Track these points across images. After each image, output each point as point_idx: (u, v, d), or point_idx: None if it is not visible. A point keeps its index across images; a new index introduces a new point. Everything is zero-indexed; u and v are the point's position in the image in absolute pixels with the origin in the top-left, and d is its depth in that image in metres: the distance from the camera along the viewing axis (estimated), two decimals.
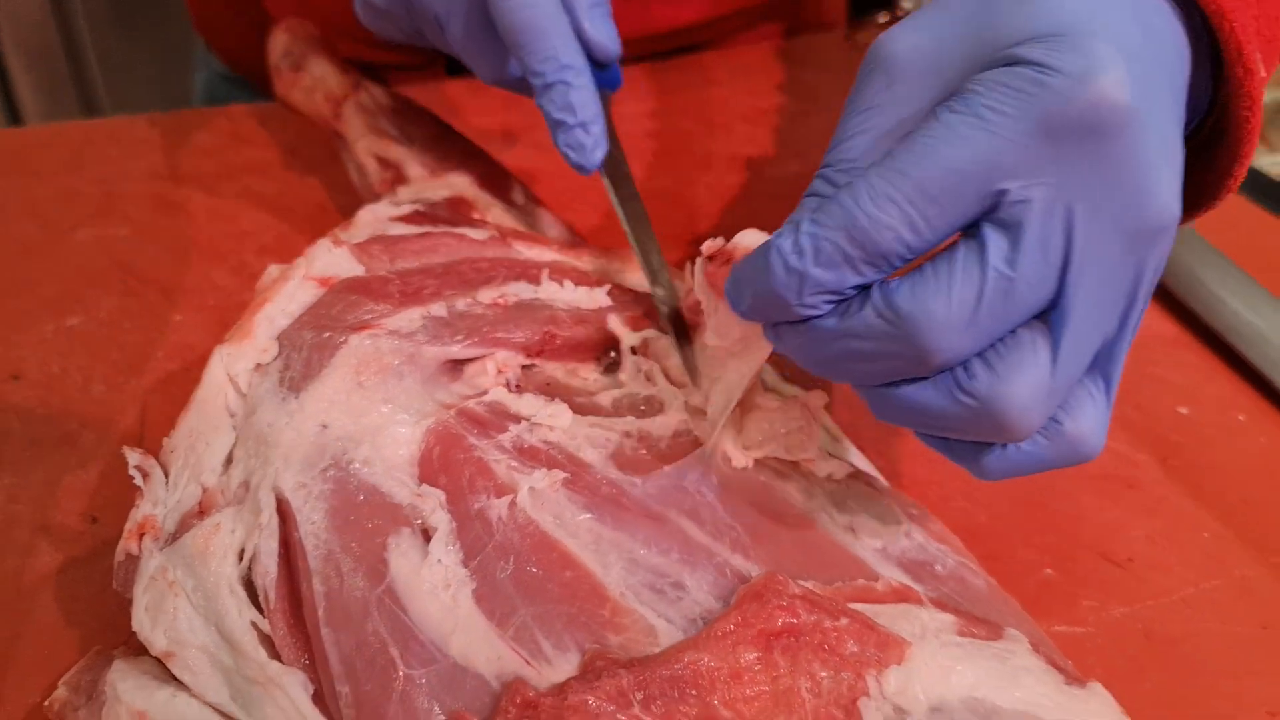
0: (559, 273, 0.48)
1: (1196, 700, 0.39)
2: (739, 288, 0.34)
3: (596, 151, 0.46)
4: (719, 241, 0.37)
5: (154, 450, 0.43)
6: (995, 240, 0.30)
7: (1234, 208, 0.66)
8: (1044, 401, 0.31)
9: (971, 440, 0.33)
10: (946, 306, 0.30)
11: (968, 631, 0.36)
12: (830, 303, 0.32)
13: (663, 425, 0.42)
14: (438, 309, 0.44)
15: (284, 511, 0.38)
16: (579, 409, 0.42)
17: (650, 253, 0.46)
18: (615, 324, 0.45)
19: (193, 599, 0.36)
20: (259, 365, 0.43)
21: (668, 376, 0.44)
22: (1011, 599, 0.40)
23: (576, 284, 0.47)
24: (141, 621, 0.36)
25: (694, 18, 0.82)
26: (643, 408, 0.43)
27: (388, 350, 0.42)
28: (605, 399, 0.43)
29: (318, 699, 0.34)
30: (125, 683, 0.35)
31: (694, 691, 0.32)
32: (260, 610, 0.36)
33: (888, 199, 0.30)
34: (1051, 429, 0.32)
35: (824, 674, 0.33)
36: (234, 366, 0.42)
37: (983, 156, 0.29)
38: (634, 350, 0.45)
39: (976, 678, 0.34)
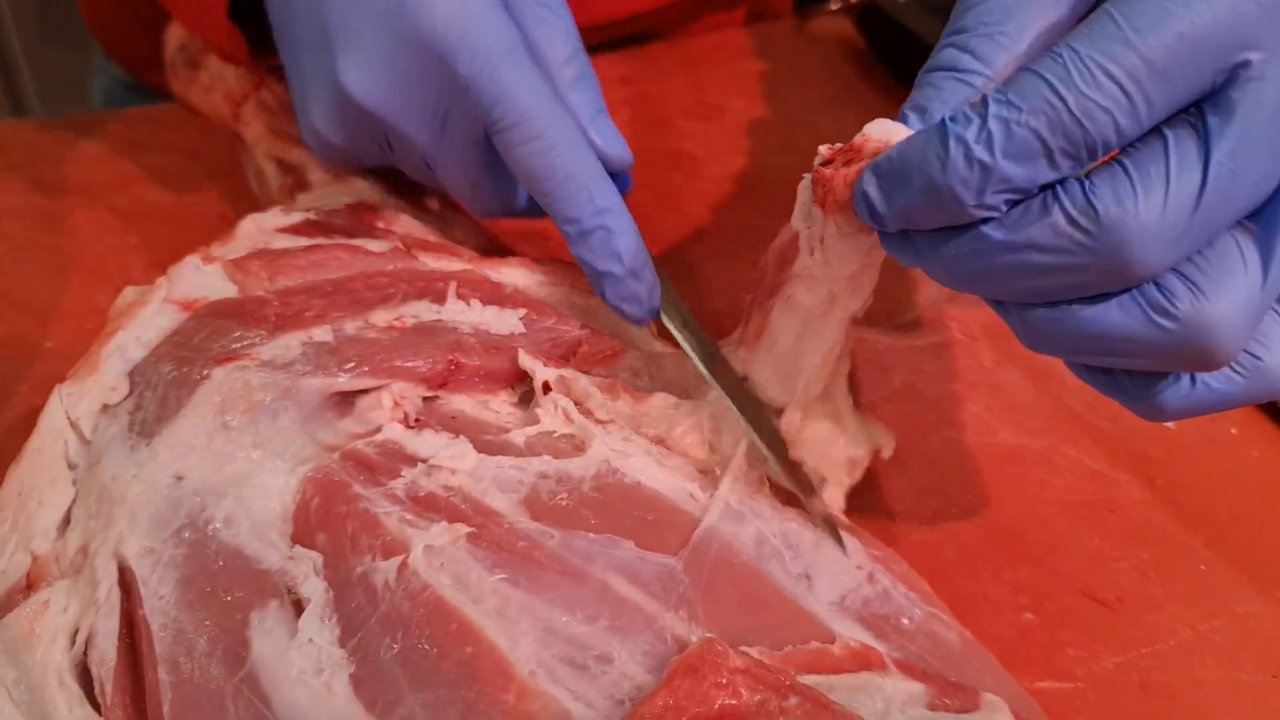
0: (468, 287, 0.41)
1: None
2: (887, 186, 0.28)
3: (653, 299, 0.40)
4: (834, 147, 0.31)
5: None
6: (1221, 126, 0.25)
7: None
8: (1251, 323, 0.26)
9: (1149, 372, 0.28)
10: (1159, 210, 0.25)
11: (939, 703, 0.31)
12: (1011, 203, 0.27)
13: (583, 465, 0.36)
14: (321, 333, 0.38)
15: (127, 583, 0.32)
16: (486, 448, 0.36)
17: (745, 405, 0.38)
18: (526, 360, 0.39)
19: (14, 694, 0.30)
20: (106, 406, 0.37)
21: (588, 414, 0.38)
22: (988, 654, 0.35)
23: (486, 302, 0.41)
24: None
25: (639, 7, 0.77)
26: (561, 446, 0.37)
27: (259, 385, 0.36)
28: (518, 437, 0.37)
29: None
30: None
31: None
32: (96, 706, 0.30)
33: (1105, 75, 0.25)
34: (1246, 361, 0.28)
35: None
36: (76, 408, 0.36)
37: (1227, 21, 0.24)
38: (547, 387, 0.39)
39: None
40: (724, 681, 0.29)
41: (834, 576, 0.35)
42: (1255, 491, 0.45)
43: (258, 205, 0.57)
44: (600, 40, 0.80)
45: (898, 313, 0.55)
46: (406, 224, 0.48)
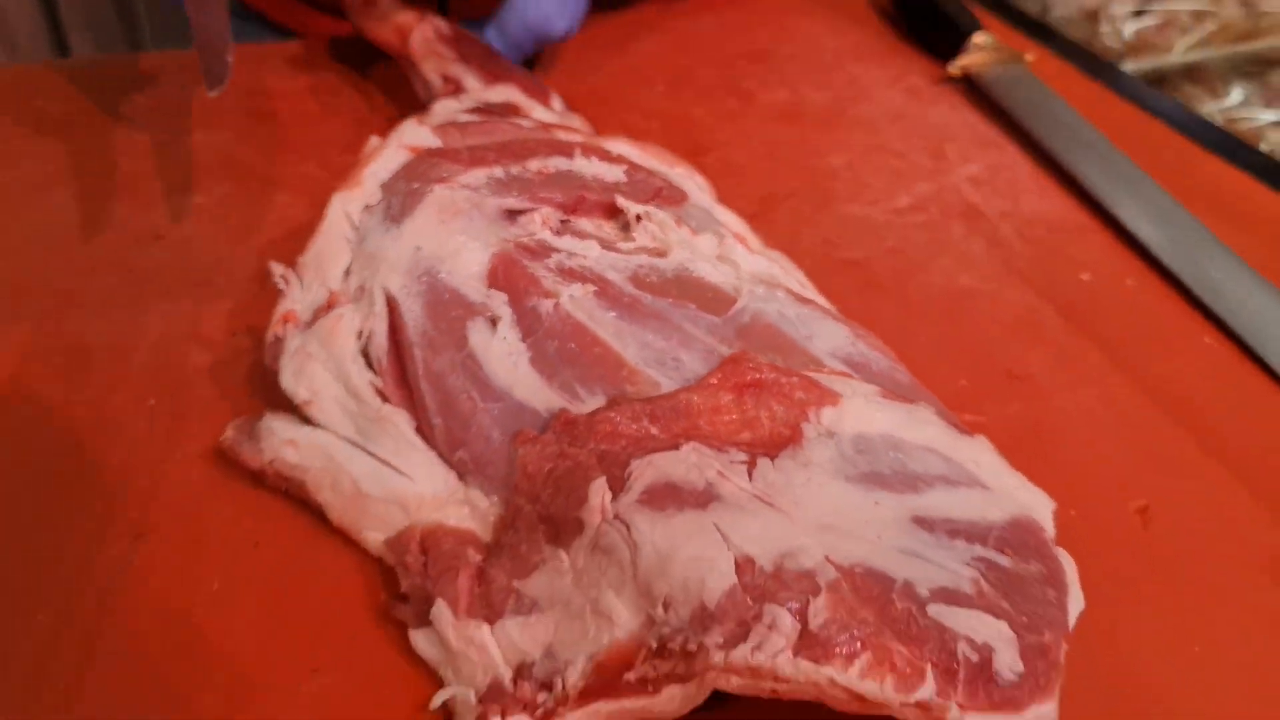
0: (587, 151, 0.60)
1: (1062, 465, 0.49)
2: None
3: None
4: None
5: (274, 295, 0.54)
6: None
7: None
8: None
9: None
10: None
11: (889, 395, 0.46)
12: None
13: (666, 262, 0.52)
14: (497, 172, 0.57)
15: (391, 304, 0.50)
16: (604, 247, 0.53)
17: None
18: (622, 201, 0.56)
19: (325, 365, 0.48)
20: (368, 206, 0.56)
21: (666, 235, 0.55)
22: (929, 392, 0.49)
23: (600, 160, 0.59)
24: (288, 381, 0.48)
25: None
26: (652, 250, 0.54)
27: (461, 198, 0.54)
28: (623, 245, 0.54)
29: (418, 431, 0.46)
30: (278, 422, 0.47)
31: (685, 415, 0.43)
32: (375, 373, 0.48)
33: None
34: None
35: (779, 409, 0.43)
36: (349, 207, 0.55)
37: None
38: (639, 219, 0.56)
39: (891, 422, 0.44)
40: (754, 366, 0.45)
41: (828, 339, 0.50)
42: (1138, 320, 0.59)
43: (412, 110, 0.76)
44: None
45: (896, 199, 0.70)
46: (540, 115, 0.68)
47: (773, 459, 0.41)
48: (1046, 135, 0.75)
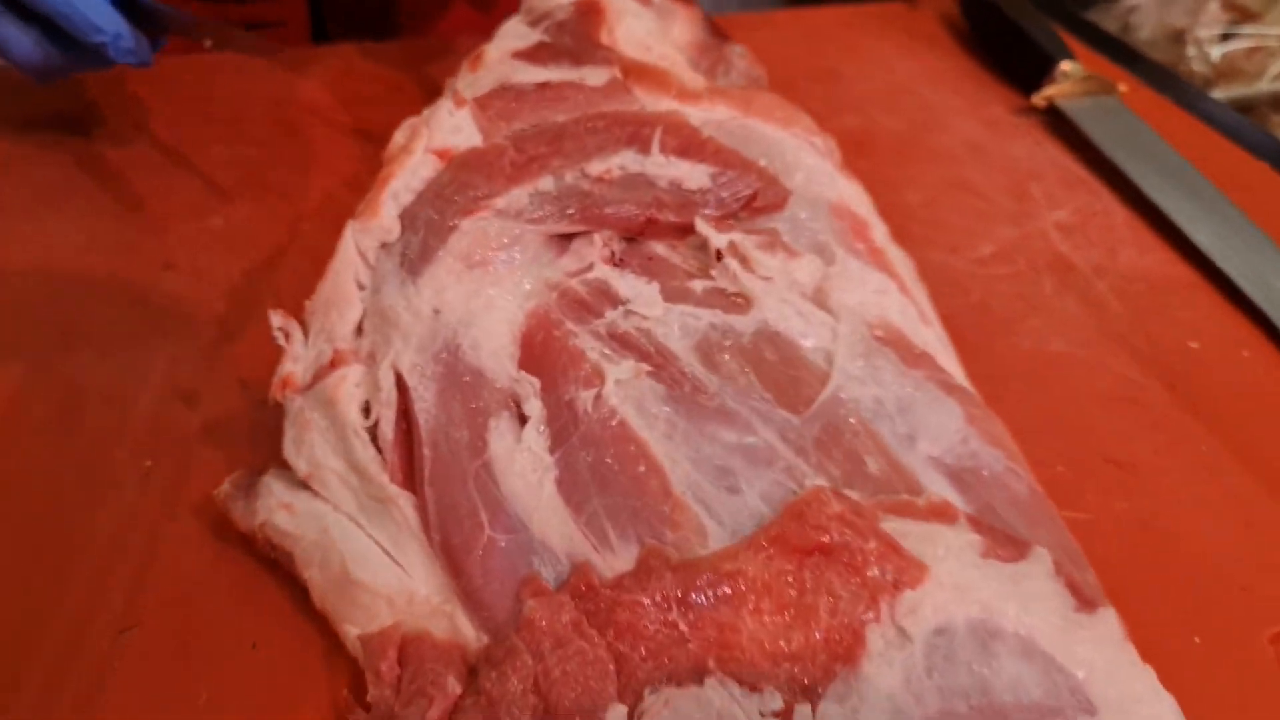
0: (671, 133, 0.44)
1: (1182, 578, 0.39)
2: None
3: (142, 52, 0.48)
4: None
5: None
6: None
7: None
8: None
9: None
10: None
11: (991, 553, 0.33)
12: None
13: (745, 322, 0.40)
14: (546, 184, 0.42)
15: (401, 386, 0.37)
16: (671, 295, 0.40)
17: None
18: (703, 227, 0.43)
19: (325, 435, 0.37)
20: (384, 244, 0.43)
21: (752, 271, 0.42)
22: (1050, 504, 0.37)
23: (682, 155, 0.44)
24: (289, 450, 0.37)
25: None
26: (731, 297, 0.41)
27: (495, 232, 0.41)
28: (697, 286, 0.41)
29: (422, 525, 0.35)
30: (277, 483, 0.37)
31: (726, 606, 0.31)
32: (380, 451, 0.37)
33: None
34: None
35: (843, 594, 0.31)
36: (363, 242, 0.42)
37: None
38: (719, 255, 0.43)
39: (988, 598, 0.32)
40: (821, 524, 0.32)
41: (935, 437, 0.37)
42: (1256, 398, 0.49)
43: None
44: None
45: (978, 246, 0.60)
46: (629, 26, 0.50)
47: (815, 704, 0.30)
48: (1143, 176, 0.63)
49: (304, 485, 0.37)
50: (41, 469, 0.41)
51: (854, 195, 0.47)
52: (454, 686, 0.32)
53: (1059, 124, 0.70)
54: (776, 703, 0.30)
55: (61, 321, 0.49)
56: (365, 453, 0.37)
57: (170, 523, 0.39)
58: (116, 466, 0.42)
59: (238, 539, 0.38)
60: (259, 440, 0.42)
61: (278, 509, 0.37)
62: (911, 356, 0.40)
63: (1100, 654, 0.32)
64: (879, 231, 0.46)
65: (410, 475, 0.37)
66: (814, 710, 0.30)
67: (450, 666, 0.32)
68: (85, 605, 0.37)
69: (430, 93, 0.68)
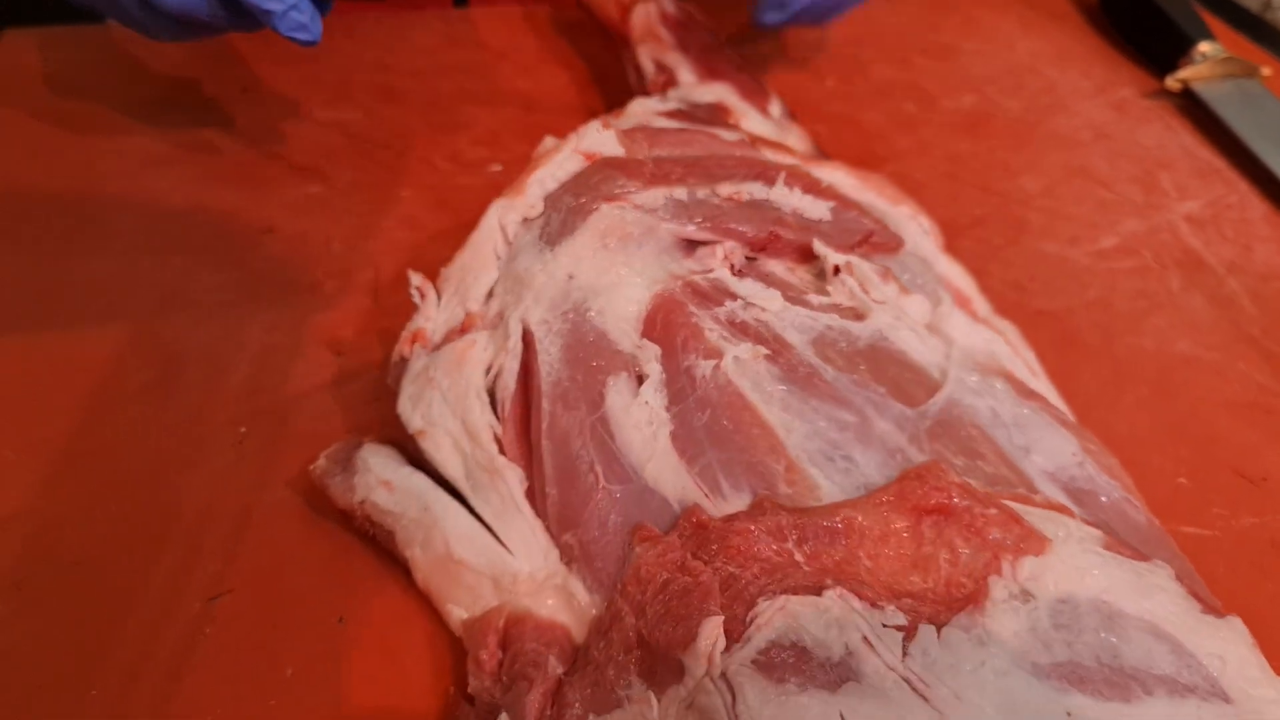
0: (794, 177, 0.46)
1: None
2: None
3: (315, 27, 0.45)
4: None
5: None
6: None
7: None
8: None
9: None
10: None
11: (1113, 547, 0.34)
12: None
13: (861, 328, 0.41)
14: (680, 193, 0.44)
15: (528, 340, 0.39)
16: (789, 299, 0.41)
17: None
18: (820, 247, 0.44)
19: (446, 395, 0.39)
20: (526, 219, 0.45)
21: (866, 293, 0.43)
22: (1170, 539, 0.36)
23: (805, 191, 0.46)
24: (404, 407, 0.39)
25: None
26: (845, 313, 0.42)
27: (632, 220, 0.42)
28: (813, 299, 0.42)
29: (529, 495, 0.36)
30: (375, 458, 0.38)
31: (844, 542, 0.32)
32: (497, 416, 0.38)
33: None
34: None
35: (964, 550, 0.32)
36: (506, 217, 0.45)
37: None
38: (837, 270, 0.44)
39: (1112, 584, 0.32)
40: (941, 487, 0.33)
41: (1050, 455, 0.37)
42: None
43: (560, 99, 0.63)
44: None
45: (1100, 239, 0.57)
46: (753, 123, 0.54)
47: (940, 626, 0.30)
48: None
49: (404, 462, 0.39)
50: (139, 433, 0.42)
51: (957, 273, 0.48)
52: (555, 666, 0.33)
53: (1194, 109, 0.67)
54: (899, 619, 0.30)
55: (163, 286, 0.50)
56: (483, 417, 0.39)
57: (262, 490, 0.41)
58: (211, 433, 0.43)
59: (328, 510, 0.39)
60: (351, 410, 0.44)
61: (377, 486, 0.38)
62: (1025, 390, 0.40)
63: (1232, 651, 0.31)
64: (981, 307, 0.47)
65: (525, 434, 0.39)
66: (939, 631, 0.30)
67: (551, 646, 0.33)
68: (179, 569, 0.38)
69: (529, 59, 0.70)
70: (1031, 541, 0.32)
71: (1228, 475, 0.43)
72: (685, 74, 0.60)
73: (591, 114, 0.63)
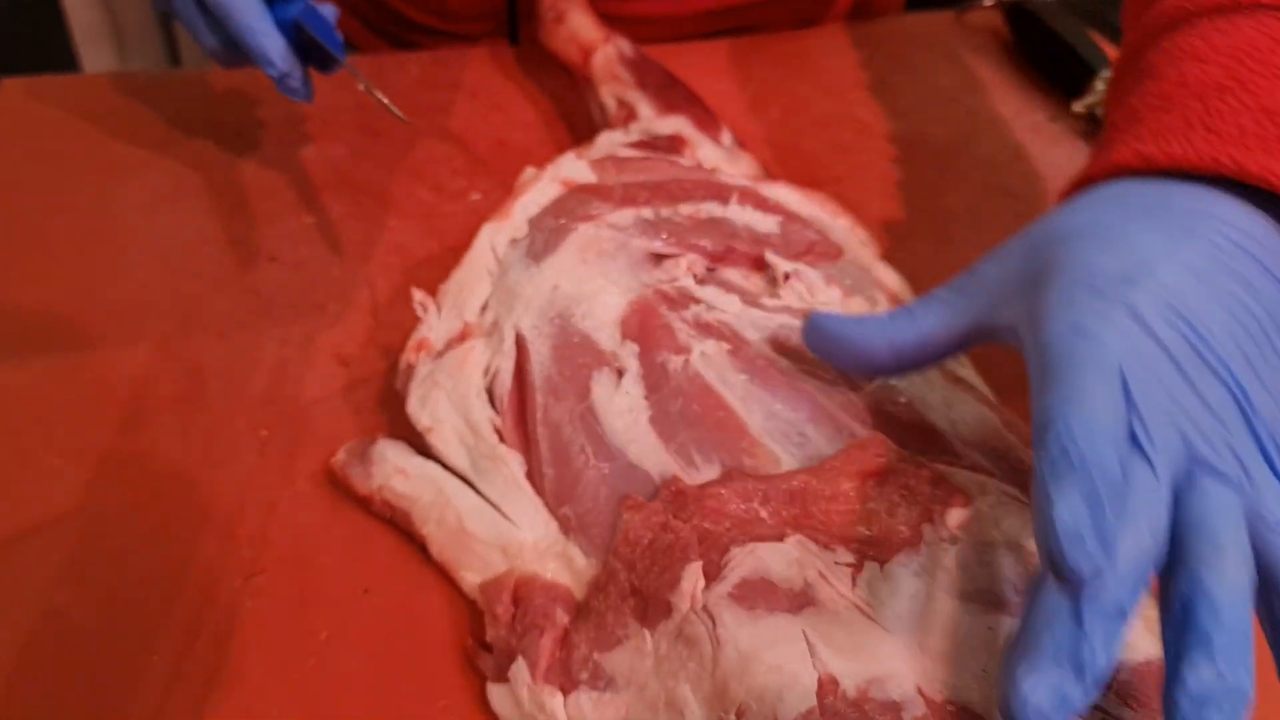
0: (744, 197, 0.53)
1: None
2: None
3: (307, 91, 0.54)
4: None
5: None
6: None
7: None
8: None
9: None
10: None
11: (1025, 500, 0.39)
12: None
13: None
14: (646, 213, 0.51)
15: (521, 344, 0.45)
16: (746, 302, 0.47)
17: None
18: (771, 257, 0.51)
19: (450, 395, 0.44)
20: (513, 240, 0.51)
21: (814, 297, 0.49)
22: None
23: (755, 208, 0.53)
24: (413, 407, 0.44)
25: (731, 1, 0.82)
26: (796, 311, 0.48)
27: (606, 238, 0.49)
28: (767, 302, 0.48)
29: (529, 476, 0.42)
30: (390, 449, 0.44)
31: (801, 500, 0.38)
32: (496, 411, 0.44)
33: None
34: None
35: (901, 505, 0.38)
36: (495, 239, 0.51)
37: None
38: (786, 277, 0.50)
39: (1021, 527, 0.37)
40: (881, 454, 0.39)
41: (973, 427, 0.44)
42: None
43: (527, 134, 0.69)
44: (703, 29, 0.85)
45: None
46: (707, 152, 0.61)
47: (883, 564, 0.36)
48: None
49: (414, 451, 0.44)
50: (171, 438, 0.47)
51: (892, 278, 0.55)
52: (561, 616, 0.38)
53: (1098, 130, 0.74)
54: (849, 558, 0.36)
55: (181, 309, 0.55)
56: (483, 413, 0.45)
57: (286, 485, 0.45)
58: (236, 436, 0.48)
59: (347, 500, 0.45)
60: (360, 414, 0.49)
61: (394, 473, 0.43)
62: (951, 376, 0.47)
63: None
64: None
65: (522, 424, 0.44)
66: (882, 567, 0.36)
67: (557, 600, 0.38)
68: (217, 555, 0.43)
69: (498, 98, 0.76)
70: (957, 496, 0.38)
71: None
72: (645, 109, 0.66)
73: (559, 146, 0.69)
